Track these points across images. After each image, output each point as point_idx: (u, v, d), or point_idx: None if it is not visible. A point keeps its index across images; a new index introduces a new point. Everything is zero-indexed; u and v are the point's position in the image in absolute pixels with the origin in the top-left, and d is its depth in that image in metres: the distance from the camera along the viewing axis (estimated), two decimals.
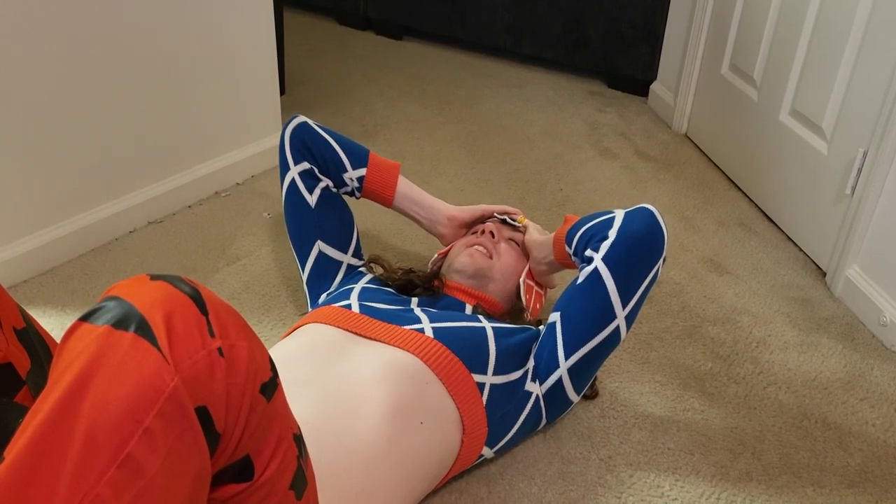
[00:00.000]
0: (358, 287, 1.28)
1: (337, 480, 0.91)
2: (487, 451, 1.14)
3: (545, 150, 2.23)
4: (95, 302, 0.64)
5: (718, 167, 2.18)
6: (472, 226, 1.47)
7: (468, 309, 1.28)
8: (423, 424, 1.02)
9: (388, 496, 0.97)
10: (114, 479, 0.58)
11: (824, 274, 1.74)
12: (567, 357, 1.17)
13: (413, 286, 1.32)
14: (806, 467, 1.24)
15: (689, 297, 1.64)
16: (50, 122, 1.50)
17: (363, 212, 1.78)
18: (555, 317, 1.19)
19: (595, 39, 2.60)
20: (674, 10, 2.40)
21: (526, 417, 1.17)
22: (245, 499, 0.70)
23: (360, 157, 1.41)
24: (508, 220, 1.44)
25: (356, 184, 1.41)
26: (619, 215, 1.17)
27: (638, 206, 1.18)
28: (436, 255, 1.46)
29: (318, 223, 1.39)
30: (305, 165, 1.38)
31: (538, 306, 1.39)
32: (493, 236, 1.38)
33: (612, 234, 1.15)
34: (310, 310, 1.38)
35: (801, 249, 1.82)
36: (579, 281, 1.18)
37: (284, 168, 1.40)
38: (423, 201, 1.45)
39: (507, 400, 1.14)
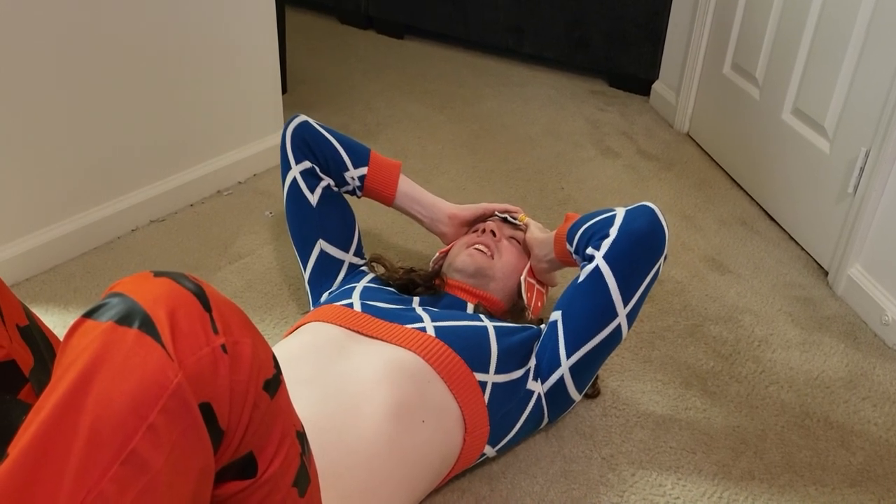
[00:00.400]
0: (360, 286, 1.28)
1: (339, 479, 0.91)
2: (489, 450, 1.14)
3: (547, 148, 2.23)
4: (99, 299, 0.63)
5: (720, 166, 2.17)
6: (473, 224, 1.47)
7: (469, 308, 1.28)
8: (425, 423, 1.02)
9: (391, 495, 0.97)
10: (118, 475, 0.58)
11: (826, 273, 1.73)
12: (569, 356, 1.17)
13: (414, 285, 1.32)
14: (808, 466, 1.24)
15: (690, 296, 1.64)
16: (52, 121, 1.50)
17: (364, 211, 1.79)
18: (556, 315, 1.19)
19: (597, 38, 2.60)
20: (676, 9, 2.40)
21: (528, 416, 1.17)
22: (248, 496, 0.70)
23: (361, 156, 1.41)
24: (509, 218, 1.44)
25: (357, 183, 1.41)
26: (620, 213, 1.17)
27: (639, 204, 1.18)
28: (437, 254, 1.46)
29: (319, 222, 1.39)
30: (307, 164, 1.38)
31: (539, 305, 1.39)
32: (494, 235, 1.38)
33: (614, 232, 1.15)
34: (312, 309, 1.39)
35: (802, 248, 1.82)
36: (580, 279, 1.18)
37: (286, 167, 1.40)
38: (424, 200, 1.45)
39: (508, 399, 1.14)
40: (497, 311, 1.34)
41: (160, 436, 0.59)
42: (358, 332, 1.12)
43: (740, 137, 2.07)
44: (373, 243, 1.71)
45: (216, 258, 1.64)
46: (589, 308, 1.16)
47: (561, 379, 1.18)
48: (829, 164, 1.71)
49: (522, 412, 1.16)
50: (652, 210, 1.16)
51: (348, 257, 1.40)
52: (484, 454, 1.14)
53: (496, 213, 1.45)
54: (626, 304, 1.15)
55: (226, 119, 1.87)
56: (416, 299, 1.28)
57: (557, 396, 1.19)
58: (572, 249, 1.25)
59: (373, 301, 1.21)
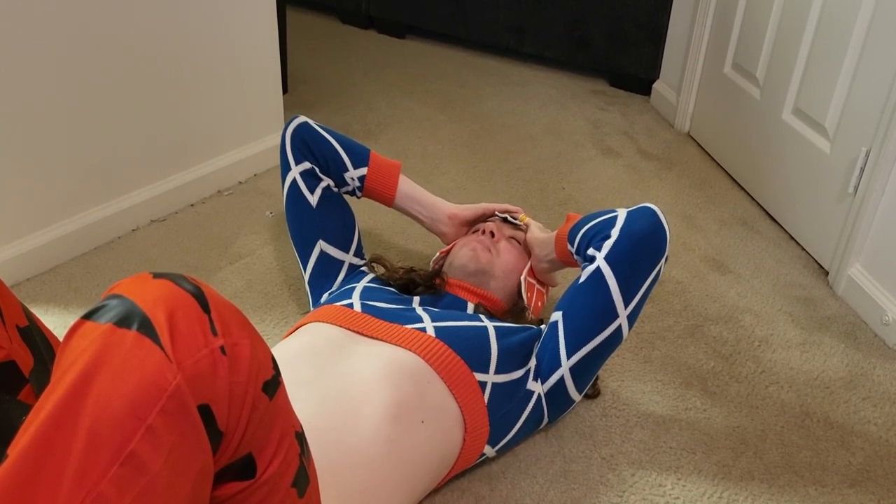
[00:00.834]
0: (360, 286, 1.28)
1: (338, 479, 0.91)
2: (489, 450, 1.15)
3: (547, 148, 2.23)
4: (98, 300, 0.64)
5: (721, 166, 2.17)
6: (473, 224, 1.47)
7: (470, 308, 1.29)
8: (424, 423, 1.02)
9: (390, 495, 0.97)
10: (117, 476, 0.58)
11: (827, 273, 1.73)
12: (569, 356, 1.17)
13: (414, 285, 1.32)
14: (808, 466, 1.24)
15: (691, 296, 1.64)
16: (53, 121, 1.50)
17: (365, 211, 1.79)
18: (557, 316, 1.19)
19: (598, 38, 2.60)
20: (676, 9, 2.40)
21: (528, 416, 1.17)
22: (247, 497, 0.70)
23: (360, 157, 1.41)
24: (510, 218, 1.44)
25: (357, 183, 1.41)
26: (621, 214, 1.18)
27: (640, 205, 1.18)
28: (437, 254, 1.46)
29: (319, 223, 1.39)
30: (306, 165, 1.38)
31: (540, 304, 1.39)
32: (493, 235, 1.38)
33: (615, 233, 1.15)
34: (312, 309, 1.39)
35: (803, 248, 1.82)
36: (581, 280, 1.18)
37: (285, 168, 1.40)
38: (424, 200, 1.45)
39: (508, 399, 1.14)
40: (497, 310, 1.34)
41: (159, 437, 0.59)
42: (358, 332, 1.12)
43: (741, 137, 2.07)
44: (373, 243, 1.72)
45: (217, 258, 1.64)
46: (590, 309, 1.16)
47: (561, 379, 1.18)
48: (830, 164, 1.71)
49: (522, 412, 1.16)
50: (653, 211, 1.16)
51: (348, 258, 1.40)
52: (484, 454, 1.14)
53: (496, 213, 1.45)
54: (626, 305, 1.15)
55: (226, 119, 1.87)
56: (416, 299, 1.28)
57: (557, 397, 1.19)
58: (573, 250, 1.25)
59: (373, 301, 1.21)
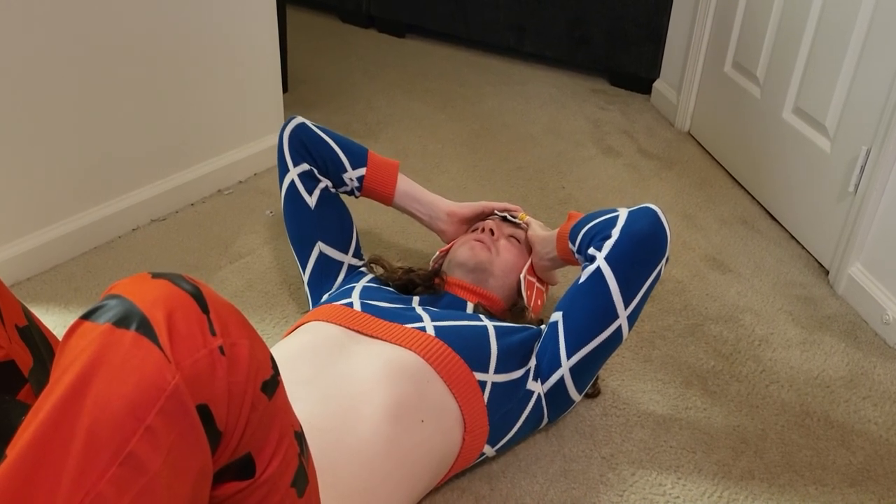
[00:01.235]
0: (359, 286, 1.28)
1: (338, 479, 0.91)
2: (489, 450, 1.15)
3: (548, 147, 2.22)
4: (97, 300, 0.64)
5: (721, 165, 2.17)
6: (472, 222, 1.47)
7: (469, 308, 1.29)
8: (424, 423, 1.02)
9: (390, 495, 0.97)
10: (116, 476, 0.58)
11: (827, 272, 1.73)
12: (569, 356, 1.17)
13: (414, 285, 1.32)
14: (808, 466, 1.24)
15: (691, 295, 1.64)
16: (52, 121, 1.50)
17: (364, 210, 1.79)
18: (557, 316, 1.19)
19: (598, 37, 2.59)
20: (677, 8, 2.40)
21: (527, 416, 1.17)
22: (247, 497, 0.70)
23: (359, 157, 1.41)
24: (509, 217, 1.44)
25: (356, 183, 1.41)
26: (622, 214, 1.17)
27: (641, 205, 1.18)
28: (437, 253, 1.46)
29: (318, 224, 1.39)
30: (305, 167, 1.38)
31: (539, 303, 1.39)
32: (492, 233, 1.38)
33: (616, 233, 1.15)
34: (311, 309, 1.39)
35: (803, 247, 1.82)
36: (581, 280, 1.18)
37: (283, 170, 1.40)
38: (422, 198, 1.45)
39: (508, 398, 1.14)
40: (497, 310, 1.34)
41: (158, 437, 0.59)
42: (357, 331, 1.12)
43: (741, 136, 2.07)
44: (372, 243, 1.71)
45: (216, 257, 1.64)
46: (590, 309, 1.16)
47: (561, 379, 1.18)
48: (830, 163, 1.71)
49: (522, 412, 1.16)
50: (654, 212, 1.16)
51: (347, 258, 1.40)
52: (483, 454, 1.14)
53: (496, 211, 1.45)
54: (626, 305, 1.15)
55: (227, 118, 1.87)
56: (415, 299, 1.28)
57: (557, 397, 1.19)
58: (574, 249, 1.25)
59: (372, 300, 1.21)
